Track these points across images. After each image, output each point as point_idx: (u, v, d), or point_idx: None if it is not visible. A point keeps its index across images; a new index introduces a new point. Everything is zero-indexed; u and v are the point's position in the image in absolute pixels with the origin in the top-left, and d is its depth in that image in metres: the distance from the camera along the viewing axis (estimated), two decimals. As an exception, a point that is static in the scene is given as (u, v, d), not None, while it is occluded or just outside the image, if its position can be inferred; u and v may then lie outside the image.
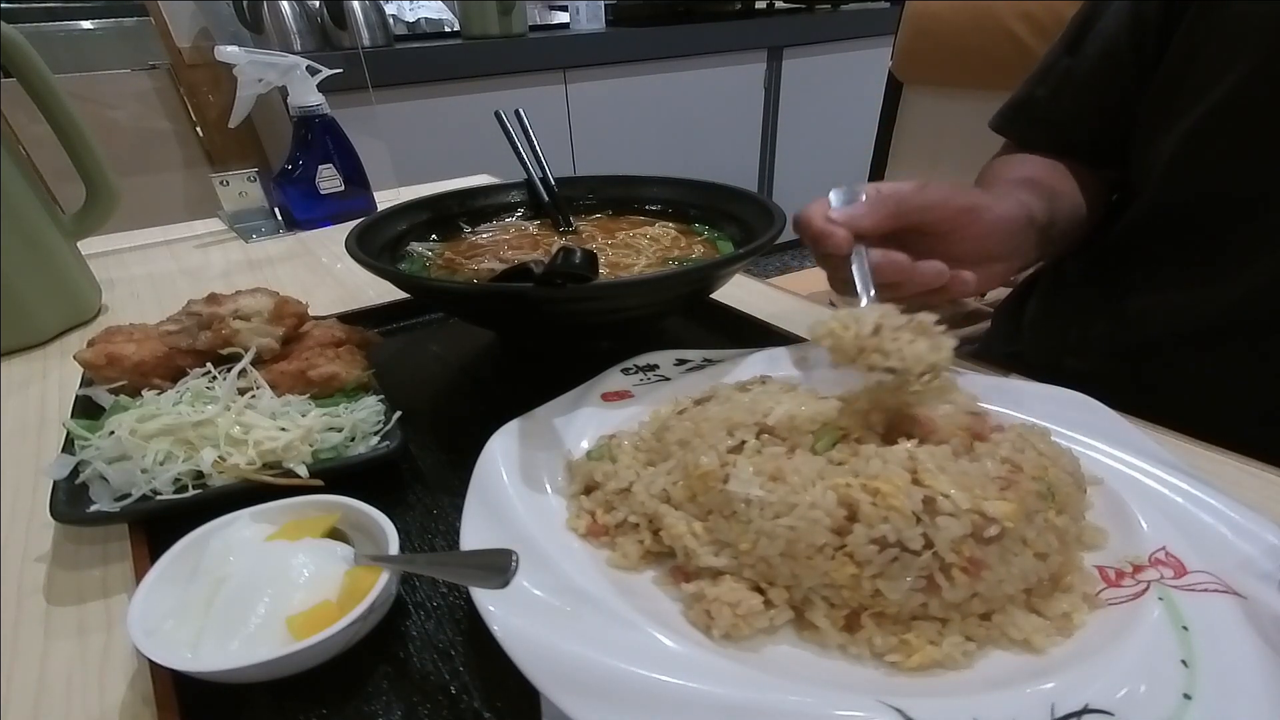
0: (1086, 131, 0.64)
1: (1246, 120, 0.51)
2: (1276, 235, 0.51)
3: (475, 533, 0.34)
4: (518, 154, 0.74)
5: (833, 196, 0.48)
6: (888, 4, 2.84)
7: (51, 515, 0.39)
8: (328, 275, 0.85)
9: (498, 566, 0.29)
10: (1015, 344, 0.72)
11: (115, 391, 0.47)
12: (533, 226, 0.72)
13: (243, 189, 1.02)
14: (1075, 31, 0.64)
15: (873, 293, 0.45)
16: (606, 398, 0.46)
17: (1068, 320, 0.67)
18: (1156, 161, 0.58)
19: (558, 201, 0.72)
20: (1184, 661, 0.27)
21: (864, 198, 0.48)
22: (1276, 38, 0.48)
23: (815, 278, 1.32)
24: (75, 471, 0.42)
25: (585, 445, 0.42)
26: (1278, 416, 0.54)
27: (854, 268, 0.46)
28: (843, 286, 0.49)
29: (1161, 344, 0.59)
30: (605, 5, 2.39)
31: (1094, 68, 0.62)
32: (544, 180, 0.73)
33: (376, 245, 0.60)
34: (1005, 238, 0.51)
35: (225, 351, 0.49)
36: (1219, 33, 0.52)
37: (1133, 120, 0.61)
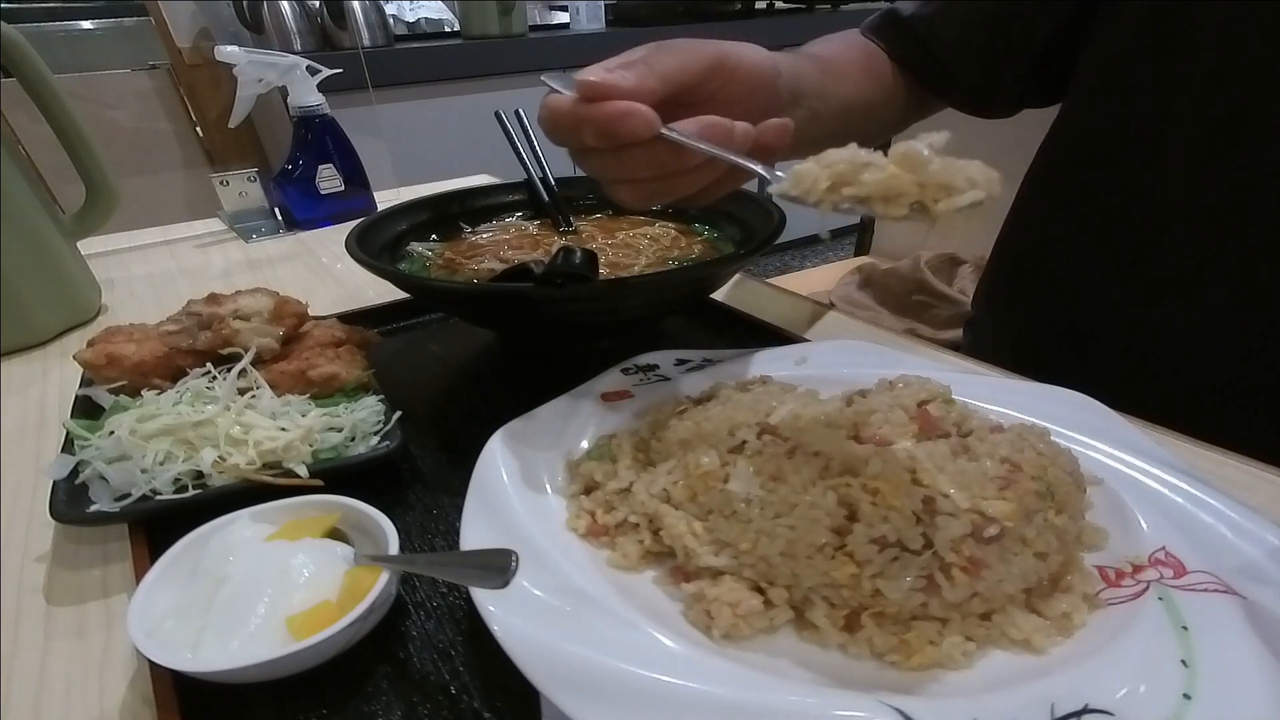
0: (964, 65, 0.62)
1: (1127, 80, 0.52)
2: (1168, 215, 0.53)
3: (475, 533, 0.34)
4: (518, 154, 0.74)
5: (553, 82, 0.38)
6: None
7: (51, 515, 0.39)
8: (328, 275, 0.85)
9: (498, 566, 0.29)
10: (979, 351, 0.73)
11: (115, 391, 0.47)
12: (533, 226, 0.72)
13: (243, 189, 1.02)
14: None
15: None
16: (606, 398, 0.46)
17: (1014, 324, 0.67)
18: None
19: (558, 201, 0.72)
20: (1184, 661, 0.27)
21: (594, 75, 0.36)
22: None
23: (815, 278, 1.32)
24: (75, 471, 0.42)
25: (585, 445, 0.42)
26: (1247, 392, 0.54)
27: (684, 139, 0.35)
28: (634, 194, 0.39)
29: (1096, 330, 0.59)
30: (605, 5, 2.39)
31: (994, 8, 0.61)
32: (544, 180, 0.73)
33: (376, 245, 0.60)
34: (755, 94, 0.43)
35: (225, 351, 0.49)
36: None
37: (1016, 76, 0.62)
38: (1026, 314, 0.67)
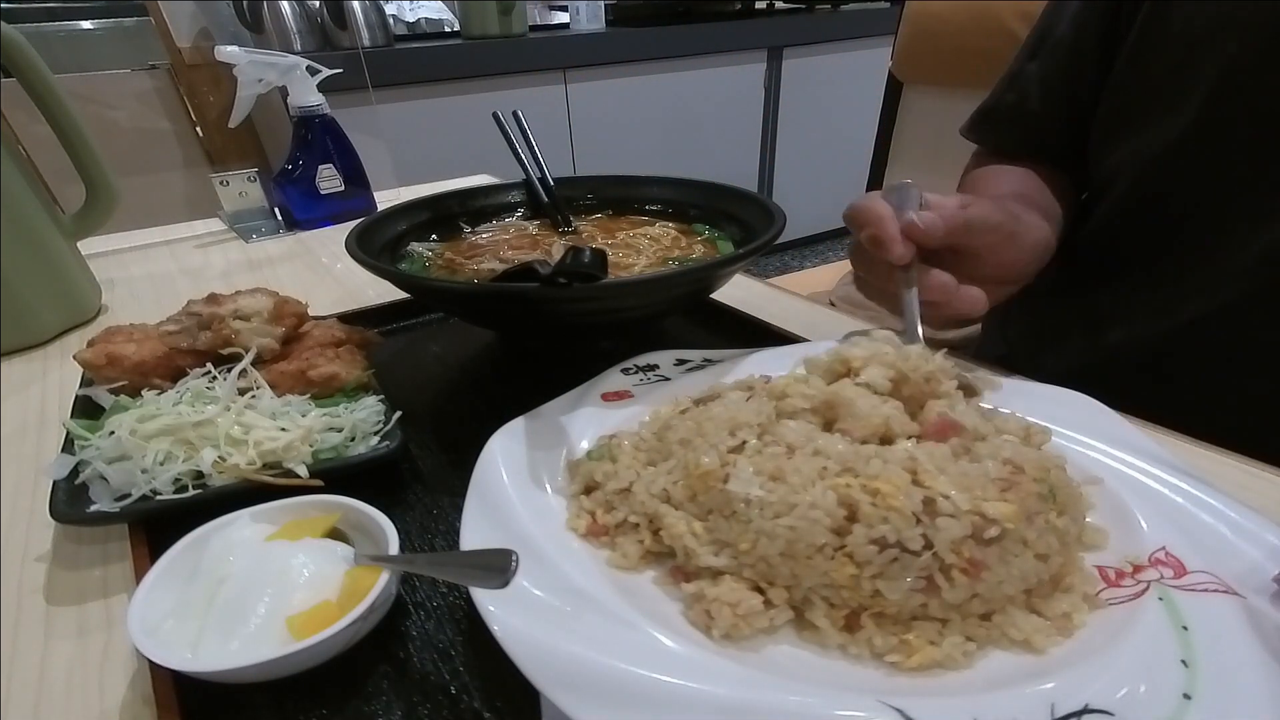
0: (1055, 133, 0.64)
1: (1219, 133, 0.52)
2: (1236, 232, 0.52)
3: (475, 533, 0.34)
4: (516, 155, 0.74)
5: (889, 196, 0.47)
6: (888, 4, 2.84)
7: (51, 515, 0.39)
8: (328, 275, 0.85)
9: (498, 566, 0.29)
10: (1001, 348, 0.72)
11: (115, 391, 0.47)
12: (532, 226, 0.72)
13: (243, 189, 1.02)
14: (1038, 36, 0.65)
15: (921, 332, 0.45)
16: (606, 398, 0.46)
17: (1044, 326, 0.67)
18: (1121, 168, 0.58)
19: (557, 201, 0.72)
20: (1184, 661, 0.27)
21: (920, 204, 0.46)
22: (1239, 44, 0.49)
23: (815, 278, 1.32)
24: (75, 471, 0.42)
25: (585, 445, 0.42)
26: (1255, 404, 0.54)
27: (907, 298, 0.46)
28: (872, 291, 0.50)
29: (1132, 344, 0.59)
30: (605, 5, 2.39)
31: (1058, 69, 0.63)
32: (543, 180, 0.73)
33: (376, 245, 0.60)
34: (1029, 263, 0.51)
35: (225, 351, 0.49)
36: (1174, 35, 0.53)
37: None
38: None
